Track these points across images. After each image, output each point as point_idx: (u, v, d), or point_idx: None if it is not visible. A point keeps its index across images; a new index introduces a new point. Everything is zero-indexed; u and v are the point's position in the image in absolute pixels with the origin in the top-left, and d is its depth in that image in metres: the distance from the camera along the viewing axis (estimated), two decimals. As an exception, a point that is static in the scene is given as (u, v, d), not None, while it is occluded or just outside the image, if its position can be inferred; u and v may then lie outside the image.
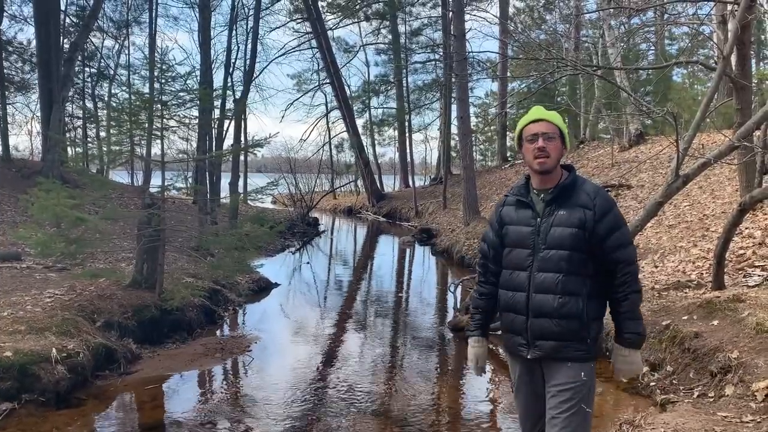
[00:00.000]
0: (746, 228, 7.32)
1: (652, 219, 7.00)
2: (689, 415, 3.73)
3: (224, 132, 18.05)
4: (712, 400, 4.07)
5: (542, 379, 2.47)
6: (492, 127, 31.23)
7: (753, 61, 16.29)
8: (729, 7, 8.82)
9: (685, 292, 6.17)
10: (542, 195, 2.47)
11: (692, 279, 6.55)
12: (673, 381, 4.66)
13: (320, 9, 26.45)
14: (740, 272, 6.38)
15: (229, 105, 19.06)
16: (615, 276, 2.39)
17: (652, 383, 4.81)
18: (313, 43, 27.28)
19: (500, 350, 6.46)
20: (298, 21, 28.54)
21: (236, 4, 18.72)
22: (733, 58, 7.39)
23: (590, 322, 2.37)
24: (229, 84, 20.55)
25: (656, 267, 7.48)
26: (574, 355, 2.36)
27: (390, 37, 30.14)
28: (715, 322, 4.90)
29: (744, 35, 7.10)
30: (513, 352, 2.53)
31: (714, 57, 14.84)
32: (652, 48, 23.06)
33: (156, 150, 7.33)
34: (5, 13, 18.78)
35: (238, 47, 21.91)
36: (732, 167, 9.14)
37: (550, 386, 2.41)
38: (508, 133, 26.74)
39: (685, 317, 5.24)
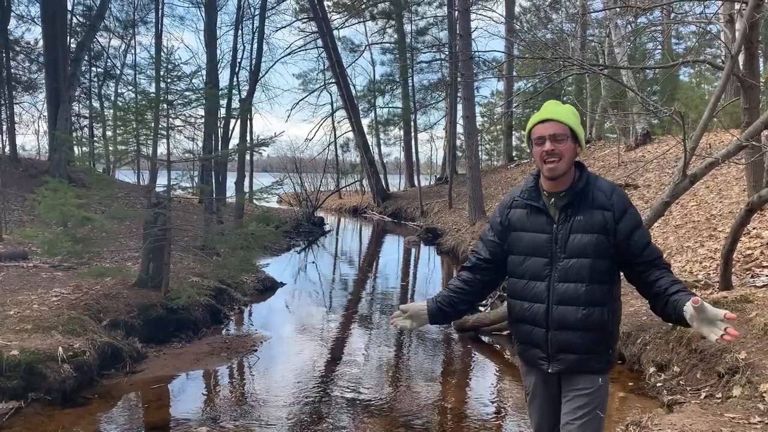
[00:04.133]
0: (754, 228, 7.27)
1: (659, 219, 6.97)
2: (696, 416, 3.71)
3: (230, 131, 18.09)
4: (719, 401, 4.05)
5: (558, 387, 2.37)
6: (498, 127, 31.16)
7: (761, 60, 16.19)
8: (737, 6, 8.77)
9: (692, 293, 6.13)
10: (554, 199, 2.29)
11: (699, 279, 6.52)
12: (680, 382, 4.64)
13: (326, 8, 26.47)
14: (748, 272, 6.34)
15: (235, 104, 19.06)
16: (652, 273, 2.19)
17: (659, 384, 4.79)
18: (319, 42, 27.29)
19: (507, 351, 6.45)
20: (304, 20, 28.61)
21: (242, 3, 18.76)
22: (741, 58, 7.35)
23: (613, 330, 2.28)
24: (235, 83, 20.58)
25: (663, 267, 7.44)
26: (596, 367, 2.27)
27: (396, 36, 30.18)
28: (723, 323, 4.86)
29: (752, 34, 7.05)
30: (531, 363, 2.40)
31: (721, 56, 14.76)
32: (659, 47, 22.92)
33: (162, 149, 7.36)
34: (12, 13, 18.90)
35: (244, 47, 21.96)
36: (739, 167, 9.09)
37: (567, 391, 2.31)
38: (513, 132, 26.70)
39: (692, 318, 5.20)
